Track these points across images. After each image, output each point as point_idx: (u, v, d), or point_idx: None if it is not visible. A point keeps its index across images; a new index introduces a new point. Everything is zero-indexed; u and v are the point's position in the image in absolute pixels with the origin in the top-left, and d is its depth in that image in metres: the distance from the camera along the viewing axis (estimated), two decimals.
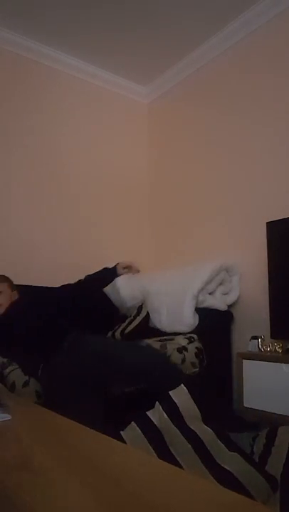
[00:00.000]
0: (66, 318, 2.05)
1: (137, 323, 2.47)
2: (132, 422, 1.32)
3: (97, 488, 0.69)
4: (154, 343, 2.19)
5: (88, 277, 2.47)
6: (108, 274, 2.51)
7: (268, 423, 1.72)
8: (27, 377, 1.74)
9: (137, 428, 1.30)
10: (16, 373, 1.74)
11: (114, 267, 2.54)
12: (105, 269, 2.52)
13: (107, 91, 3.26)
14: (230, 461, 1.17)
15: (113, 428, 1.29)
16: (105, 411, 1.57)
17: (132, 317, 2.51)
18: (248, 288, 2.51)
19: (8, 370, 1.75)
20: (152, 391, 1.48)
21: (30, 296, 2.18)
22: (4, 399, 1.26)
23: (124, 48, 2.93)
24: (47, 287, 2.41)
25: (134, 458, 0.87)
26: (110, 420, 1.45)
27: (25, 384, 1.72)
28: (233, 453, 1.20)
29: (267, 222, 2.23)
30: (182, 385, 1.44)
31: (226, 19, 2.65)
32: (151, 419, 1.34)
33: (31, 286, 2.37)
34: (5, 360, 1.79)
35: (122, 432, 1.29)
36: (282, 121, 2.41)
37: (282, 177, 2.38)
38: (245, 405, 2.04)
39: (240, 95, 2.69)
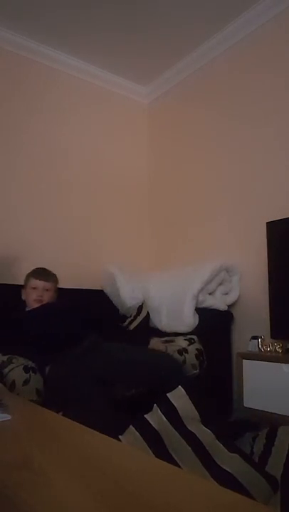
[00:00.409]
0: (87, 329, 2.07)
1: (137, 323, 2.47)
2: (131, 426, 1.31)
3: (97, 488, 0.69)
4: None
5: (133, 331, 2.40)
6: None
7: (268, 423, 1.72)
8: (27, 376, 1.74)
9: (136, 432, 1.29)
10: (15, 372, 1.74)
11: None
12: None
13: (107, 91, 3.26)
14: (231, 463, 1.17)
15: (115, 430, 1.29)
16: (110, 413, 1.57)
17: (132, 317, 2.51)
18: (248, 288, 2.51)
19: (7, 369, 1.75)
20: (160, 390, 1.48)
21: (64, 303, 2.19)
22: (4, 399, 1.26)
23: (124, 48, 2.93)
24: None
25: (134, 458, 0.87)
26: (114, 422, 1.45)
27: (26, 382, 1.72)
28: (233, 454, 1.20)
29: (267, 222, 2.23)
30: (180, 386, 1.43)
31: (226, 19, 2.65)
32: (150, 422, 1.34)
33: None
34: (4, 358, 1.79)
35: (120, 437, 1.29)
36: (282, 121, 2.41)
37: (282, 177, 2.38)
38: (245, 405, 2.04)
39: (240, 95, 2.69)
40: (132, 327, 2.46)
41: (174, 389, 1.42)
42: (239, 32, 2.69)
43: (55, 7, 2.54)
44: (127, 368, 1.85)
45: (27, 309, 2.14)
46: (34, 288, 2.13)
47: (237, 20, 2.64)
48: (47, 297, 2.13)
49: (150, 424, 1.33)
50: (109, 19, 2.64)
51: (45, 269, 2.23)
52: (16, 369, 1.76)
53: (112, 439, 0.95)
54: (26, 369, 1.78)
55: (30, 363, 1.82)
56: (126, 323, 2.49)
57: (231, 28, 2.70)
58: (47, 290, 2.14)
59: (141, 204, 3.34)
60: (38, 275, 2.17)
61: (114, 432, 1.26)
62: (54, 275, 2.23)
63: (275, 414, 1.86)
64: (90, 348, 1.93)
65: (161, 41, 2.85)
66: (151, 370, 1.84)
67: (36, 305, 2.10)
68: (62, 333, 1.95)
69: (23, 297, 2.18)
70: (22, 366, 1.78)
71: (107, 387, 1.72)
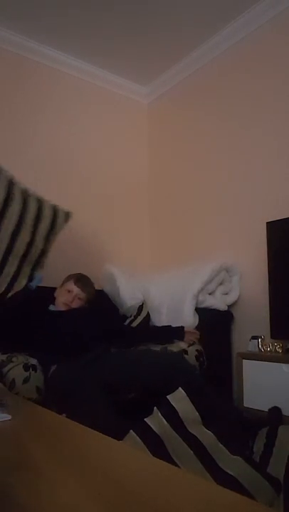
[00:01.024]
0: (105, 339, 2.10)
1: (137, 323, 2.47)
2: (131, 431, 1.29)
3: (97, 488, 0.69)
4: (154, 346, 2.19)
5: (151, 329, 2.45)
6: (172, 334, 2.25)
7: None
8: (27, 374, 1.74)
9: (136, 436, 1.28)
10: (15, 370, 1.74)
11: (182, 331, 2.24)
12: (169, 327, 2.32)
13: (107, 91, 3.26)
14: (233, 465, 1.17)
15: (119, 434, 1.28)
16: (116, 417, 1.56)
17: (132, 317, 2.51)
18: (248, 288, 2.51)
19: (7, 368, 1.75)
20: (165, 391, 1.48)
21: (86, 309, 2.22)
22: (4, 398, 1.26)
23: (124, 48, 2.93)
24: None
25: (134, 458, 0.87)
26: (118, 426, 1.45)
27: (26, 380, 1.72)
28: (235, 457, 1.20)
29: (267, 222, 2.23)
30: (180, 388, 1.42)
31: (226, 19, 2.65)
32: (150, 425, 1.32)
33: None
34: (4, 357, 1.79)
35: (120, 442, 1.28)
36: (282, 121, 2.41)
37: (282, 177, 2.38)
38: (245, 405, 2.04)
39: (240, 95, 2.69)
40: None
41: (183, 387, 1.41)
42: (238, 32, 2.69)
43: (56, 7, 2.54)
44: (131, 372, 1.83)
45: (50, 308, 2.16)
46: (69, 291, 2.18)
47: (237, 21, 2.64)
48: (75, 304, 2.17)
49: (150, 428, 1.31)
50: (109, 19, 2.64)
51: (88, 278, 2.29)
52: (16, 368, 1.76)
53: (112, 439, 0.95)
54: (26, 367, 1.77)
55: (31, 361, 1.82)
56: (126, 323, 2.48)
57: (231, 28, 2.69)
58: (79, 298, 2.18)
59: (141, 204, 3.34)
60: (78, 281, 2.21)
61: (119, 435, 1.26)
62: (92, 287, 2.28)
63: None
64: (99, 355, 1.94)
65: (162, 41, 2.85)
66: (158, 371, 1.81)
67: (63, 307, 2.15)
68: (79, 337, 1.97)
69: (56, 294, 2.22)
70: (22, 364, 1.78)
71: (112, 392, 1.71)
